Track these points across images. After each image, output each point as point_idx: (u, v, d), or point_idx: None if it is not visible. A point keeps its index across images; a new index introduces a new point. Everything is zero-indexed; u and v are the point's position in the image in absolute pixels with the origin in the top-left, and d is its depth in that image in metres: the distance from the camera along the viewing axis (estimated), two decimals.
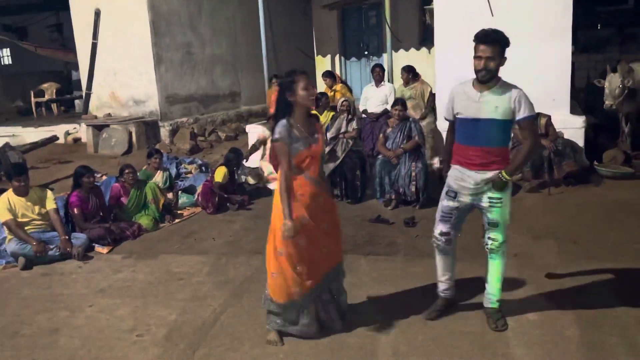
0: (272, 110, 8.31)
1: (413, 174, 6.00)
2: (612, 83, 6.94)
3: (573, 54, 7.23)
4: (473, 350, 3.09)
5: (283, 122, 3.08)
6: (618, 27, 11.53)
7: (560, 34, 6.92)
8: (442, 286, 3.50)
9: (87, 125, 10.02)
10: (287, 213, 2.99)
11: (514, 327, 3.29)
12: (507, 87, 3.12)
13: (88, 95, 10.56)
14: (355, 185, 6.41)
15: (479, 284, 3.85)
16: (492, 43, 3.00)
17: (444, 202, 3.35)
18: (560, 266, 4.16)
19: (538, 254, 4.45)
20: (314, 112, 3.34)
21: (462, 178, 3.24)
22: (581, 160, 6.59)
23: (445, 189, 3.36)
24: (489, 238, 3.28)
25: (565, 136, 6.61)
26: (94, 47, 10.20)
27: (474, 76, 3.16)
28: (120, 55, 10.06)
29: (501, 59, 3.06)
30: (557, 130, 6.54)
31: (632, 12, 12.76)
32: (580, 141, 6.83)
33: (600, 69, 7.78)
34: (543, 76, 6.91)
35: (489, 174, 3.16)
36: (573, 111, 7.18)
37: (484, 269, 4.11)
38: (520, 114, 3.08)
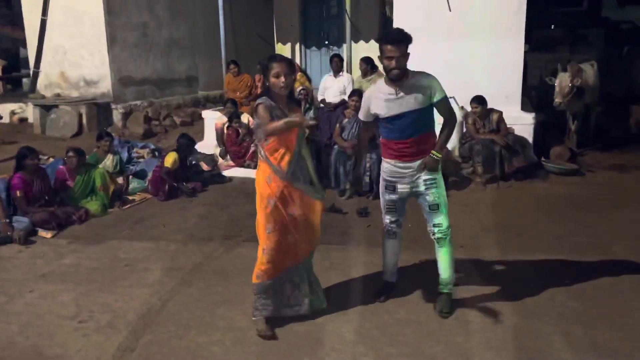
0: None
1: (367, 165, 6.05)
2: (562, 82, 7.17)
3: (526, 52, 7.43)
4: (417, 338, 3.15)
5: (266, 99, 3.13)
6: (570, 28, 11.92)
7: (515, 32, 7.10)
8: (388, 272, 3.67)
9: (34, 105, 9.61)
10: (285, 121, 2.99)
11: (457, 315, 3.38)
12: (418, 75, 3.27)
13: (36, 74, 10.12)
14: None
15: (423, 273, 3.95)
16: (399, 43, 3.15)
17: (386, 196, 3.49)
18: (505, 257, 4.28)
19: (484, 246, 4.57)
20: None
21: (396, 170, 3.37)
22: (530, 156, 6.81)
23: (383, 184, 3.48)
24: (434, 225, 3.38)
25: (516, 132, 6.81)
26: (43, 23, 9.75)
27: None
28: (71, 33, 9.66)
29: (407, 56, 3.20)
30: (508, 125, 6.72)
31: (585, 14, 13.23)
32: (529, 137, 7.04)
33: (551, 68, 8.03)
34: (497, 72, 7.08)
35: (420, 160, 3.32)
36: (524, 108, 7.40)
37: (431, 258, 4.20)
38: (436, 97, 3.24)
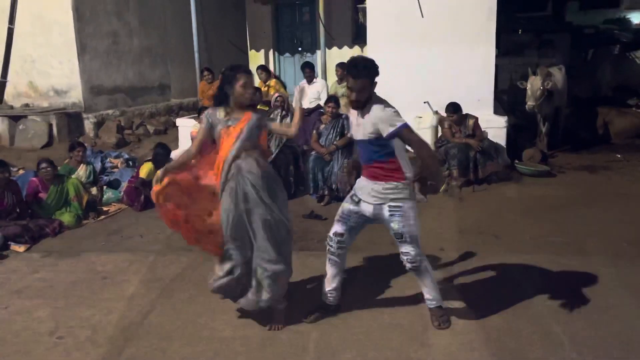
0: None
1: (344, 170, 6.07)
2: (534, 85, 7.35)
3: (496, 56, 7.59)
4: (402, 342, 3.17)
5: (213, 109, 3.35)
6: (536, 32, 12.23)
7: (486, 37, 7.25)
8: (328, 292, 3.47)
9: (2, 116, 9.35)
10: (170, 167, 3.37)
11: None
12: (377, 104, 3.04)
13: (3, 84, 9.85)
14: (289, 181, 6.40)
15: (403, 276, 3.97)
16: (361, 77, 3.00)
17: (345, 205, 3.33)
18: (483, 259, 4.35)
19: (463, 248, 4.63)
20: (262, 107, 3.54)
21: (365, 186, 3.22)
22: (503, 159, 6.94)
23: (350, 194, 3.35)
24: (402, 253, 3.19)
25: (489, 135, 6.93)
26: (10, 32, 9.52)
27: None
28: (40, 42, 9.45)
29: (372, 87, 3.06)
30: (482, 130, 6.84)
31: (549, 19, 13.60)
32: (502, 140, 7.18)
33: (520, 72, 8.22)
34: (469, 77, 7.21)
35: (387, 185, 3.11)
36: (496, 111, 7.54)
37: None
38: (385, 133, 2.98)
